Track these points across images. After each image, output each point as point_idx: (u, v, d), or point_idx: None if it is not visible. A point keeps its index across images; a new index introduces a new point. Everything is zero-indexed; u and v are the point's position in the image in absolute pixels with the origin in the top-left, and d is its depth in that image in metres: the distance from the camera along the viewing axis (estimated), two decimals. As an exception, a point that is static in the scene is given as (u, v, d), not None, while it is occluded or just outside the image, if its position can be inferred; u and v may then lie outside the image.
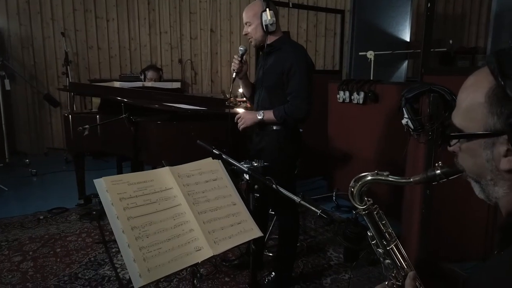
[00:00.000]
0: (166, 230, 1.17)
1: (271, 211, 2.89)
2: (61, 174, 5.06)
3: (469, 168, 0.74)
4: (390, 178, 0.93)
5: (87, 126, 2.78)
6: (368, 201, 0.98)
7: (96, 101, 4.12)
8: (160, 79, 4.53)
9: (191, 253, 1.16)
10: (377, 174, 0.95)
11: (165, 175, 1.30)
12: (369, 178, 0.96)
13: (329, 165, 4.20)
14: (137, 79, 4.88)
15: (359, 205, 0.98)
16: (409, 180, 0.91)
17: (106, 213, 1.11)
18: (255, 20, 2.31)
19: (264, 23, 2.28)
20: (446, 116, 1.67)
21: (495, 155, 0.67)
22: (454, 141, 0.75)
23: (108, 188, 1.15)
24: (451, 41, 4.99)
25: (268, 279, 2.49)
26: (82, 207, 3.80)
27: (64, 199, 3.96)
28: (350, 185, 0.99)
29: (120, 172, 4.38)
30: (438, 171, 0.84)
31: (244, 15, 2.37)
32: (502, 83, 0.63)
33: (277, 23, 2.31)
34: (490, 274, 0.61)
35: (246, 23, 2.36)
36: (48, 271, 2.67)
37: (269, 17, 2.26)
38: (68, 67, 5.60)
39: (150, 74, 4.39)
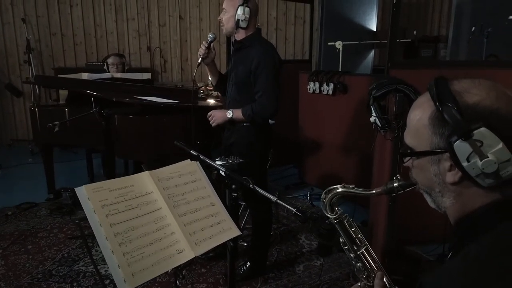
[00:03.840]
0: (148, 235, 1.20)
1: (243, 202, 2.96)
2: (27, 167, 4.91)
3: (420, 181, 0.83)
4: (356, 190, 1.02)
5: (57, 122, 2.72)
6: (339, 210, 1.06)
7: (64, 92, 3.99)
8: (123, 65, 4.42)
9: (173, 255, 1.20)
10: (344, 186, 1.04)
11: (145, 179, 1.33)
12: (338, 190, 1.05)
13: (300, 154, 4.30)
14: (103, 68, 4.75)
15: (330, 214, 1.06)
16: (372, 192, 1.00)
17: (89, 221, 1.14)
18: (231, 10, 2.32)
19: (236, 17, 2.30)
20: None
21: (441, 170, 0.76)
22: (407, 158, 0.83)
23: (90, 196, 1.17)
24: (415, 32, 5.16)
25: (243, 269, 2.57)
26: (52, 202, 3.72)
27: (33, 194, 3.87)
28: (322, 196, 1.06)
29: (90, 163, 4.31)
30: (396, 184, 0.93)
31: (224, 1, 2.37)
32: (440, 108, 0.72)
33: (251, 20, 2.32)
34: (437, 279, 0.70)
35: (223, 9, 2.37)
36: (20, 269, 2.64)
37: (241, 13, 2.27)
38: (30, 55, 5.39)
39: (111, 59, 4.26)
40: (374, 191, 0.99)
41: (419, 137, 0.78)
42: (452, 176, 0.74)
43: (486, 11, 4.11)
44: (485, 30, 3.71)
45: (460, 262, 0.69)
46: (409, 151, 0.81)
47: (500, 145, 0.67)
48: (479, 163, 0.69)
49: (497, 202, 0.73)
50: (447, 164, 0.74)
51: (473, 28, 3.90)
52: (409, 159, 0.83)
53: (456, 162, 0.71)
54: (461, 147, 0.69)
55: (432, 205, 0.83)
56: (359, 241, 1.07)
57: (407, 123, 0.82)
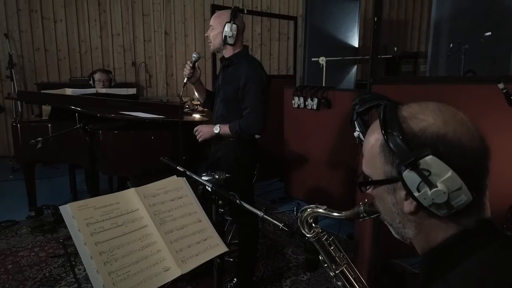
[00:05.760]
0: (134, 253, 1.19)
1: (229, 217, 2.95)
2: (7, 184, 4.79)
3: (382, 211, 0.79)
4: (327, 211, 1.02)
5: (40, 138, 2.68)
6: (316, 228, 1.06)
7: (47, 107, 3.94)
8: (110, 81, 4.41)
9: (160, 273, 1.19)
10: (317, 207, 1.05)
11: (131, 196, 1.32)
12: (311, 210, 1.05)
13: (285, 168, 4.33)
14: (89, 83, 4.72)
15: (307, 233, 1.06)
16: (341, 214, 0.99)
17: (73, 240, 1.12)
18: (218, 27, 2.35)
19: (224, 33, 2.33)
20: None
21: (398, 199, 0.72)
22: (368, 186, 0.79)
23: (74, 214, 1.15)
24: (395, 48, 5.29)
25: (230, 285, 2.55)
26: (34, 219, 3.63)
27: (13, 211, 3.77)
28: (298, 215, 1.07)
29: (73, 179, 4.24)
30: (362, 209, 0.92)
31: (211, 18, 2.41)
32: (385, 137, 0.69)
33: (239, 37, 2.36)
34: None
35: (210, 26, 2.40)
36: (0, 290, 2.57)
37: (229, 30, 2.30)
38: (12, 70, 5.32)
39: (98, 75, 4.24)
40: (343, 214, 0.98)
41: (373, 166, 0.74)
42: (408, 206, 0.70)
43: (463, 29, 4.26)
44: (463, 46, 3.84)
45: None
46: (369, 179, 0.77)
47: (449, 173, 0.64)
48: (429, 193, 0.65)
49: (458, 235, 0.70)
50: (402, 193, 0.70)
51: (451, 45, 4.02)
52: (369, 188, 0.79)
53: (408, 192, 0.68)
54: (410, 177, 0.66)
55: (396, 236, 0.79)
56: (339, 259, 1.06)
57: (363, 150, 0.78)
